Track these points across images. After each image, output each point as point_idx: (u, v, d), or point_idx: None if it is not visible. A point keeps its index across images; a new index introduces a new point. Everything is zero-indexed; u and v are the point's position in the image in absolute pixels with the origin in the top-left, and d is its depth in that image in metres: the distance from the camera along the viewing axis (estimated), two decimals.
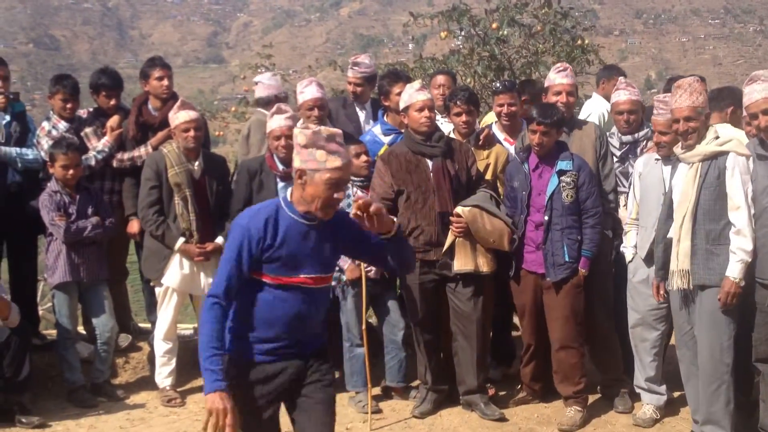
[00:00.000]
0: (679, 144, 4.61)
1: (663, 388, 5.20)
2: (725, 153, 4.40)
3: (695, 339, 4.59)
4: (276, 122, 5.25)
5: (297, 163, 3.16)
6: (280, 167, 5.31)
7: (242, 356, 3.23)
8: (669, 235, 4.63)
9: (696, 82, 4.51)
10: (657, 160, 4.99)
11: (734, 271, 4.34)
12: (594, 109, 6.35)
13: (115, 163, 5.81)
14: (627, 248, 5.15)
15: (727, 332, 4.45)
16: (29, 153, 5.69)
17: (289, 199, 3.23)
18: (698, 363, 4.56)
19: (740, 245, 4.33)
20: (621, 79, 5.71)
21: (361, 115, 6.28)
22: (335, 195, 3.13)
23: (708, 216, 4.43)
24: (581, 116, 6.13)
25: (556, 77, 5.50)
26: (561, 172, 5.05)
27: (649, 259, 4.98)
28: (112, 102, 5.95)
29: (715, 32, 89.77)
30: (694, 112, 4.43)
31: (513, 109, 5.62)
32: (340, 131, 3.20)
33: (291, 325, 3.23)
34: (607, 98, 6.21)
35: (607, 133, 5.62)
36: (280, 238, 3.15)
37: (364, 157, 5.31)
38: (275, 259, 3.15)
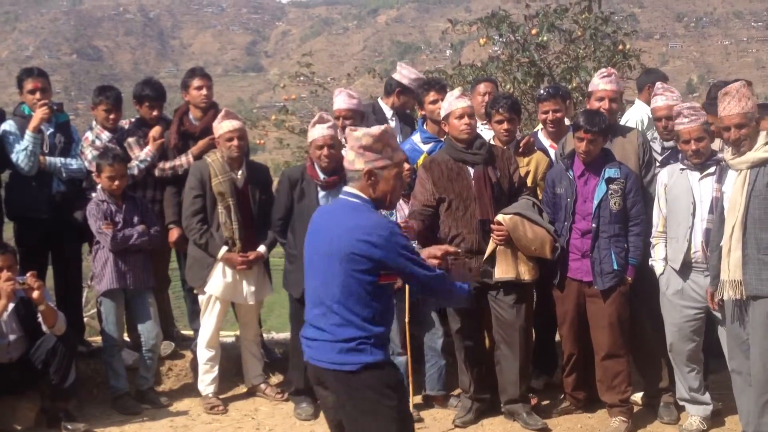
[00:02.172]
0: (728, 150, 4.52)
1: (707, 398, 5.10)
2: None
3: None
4: (318, 132, 5.26)
5: (360, 164, 3.25)
6: (321, 176, 5.32)
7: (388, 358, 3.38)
8: (721, 243, 4.53)
9: (743, 87, 4.42)
10: (682, 169, 4.91)
11: None
12: (632, 116, 6.26)
13: (156, 173, 5.88)
14: (656, 261, 5.05)
15: None
16: (73, 163, 5.79)
17: (366, 198, 3.32)
18: (751, 373, 4.46)
19: None
20: (658, 84, 5.59)
21: (392, 122, 6.19)
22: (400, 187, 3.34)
23: (758, 224, 4.34)
24: (621, 123, 6.03)
25: (600, 82, 5.40)
26: (609, 180, 5.00)
27: (683, 271, 4.90)
28: (155, 113, 6.02)
29: (758, 35, 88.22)
30: (745, 119, 4.35)
31: (558, 115, 5.58)
32: (391, 127, 3.39)
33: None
34: (650, 103, 6.11)
35: (650, 138, 5.54)
36: None
37: (406, 165, 5.30)
38: None
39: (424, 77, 6.14)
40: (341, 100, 5.72)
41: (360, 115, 5.83)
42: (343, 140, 5.71)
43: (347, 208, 3.29)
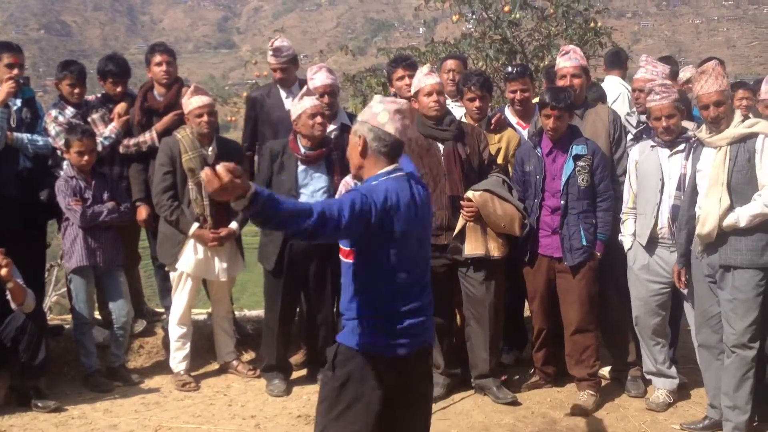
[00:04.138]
0: (702, 128, 4.57)
1: (673, 371, 5.19)
2: (754, 135, 4.37)
3: (722, 323, 4.55)
4: (309, 102, 5.20)
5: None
6: (302, 150, 5.30)
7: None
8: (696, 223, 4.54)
9: (718, 66, 4.49)
10: (652, 146, 4.98)
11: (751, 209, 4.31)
12: (619, 90, 6.30)
13: (121, 149, 5.83)
14: (625, 236, 5.13)
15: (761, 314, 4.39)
16: (39, 139, 5.71)
17: None
18: (727, 347, 4.49)
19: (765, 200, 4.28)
20: (643, 56, 5.65)
21: (287, 101, 5.90)
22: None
23: (740, 198, 4.38)
24: (609, 99, 6.07)
25: (560, 61, 5.49)
26: (576, 157, 5.04)
27: (650, 246, 4.98)
28: (119, 89, 5.96)
29: (728, 14, 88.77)
30: (723, 96, 4.41)
31: (526, 95, 5.64)
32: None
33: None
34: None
35: (626, 112, 5.60)
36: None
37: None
38: None
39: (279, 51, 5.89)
40: (324, 76, 5.62)
41: (338, 90, 5.82)
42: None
43: None
